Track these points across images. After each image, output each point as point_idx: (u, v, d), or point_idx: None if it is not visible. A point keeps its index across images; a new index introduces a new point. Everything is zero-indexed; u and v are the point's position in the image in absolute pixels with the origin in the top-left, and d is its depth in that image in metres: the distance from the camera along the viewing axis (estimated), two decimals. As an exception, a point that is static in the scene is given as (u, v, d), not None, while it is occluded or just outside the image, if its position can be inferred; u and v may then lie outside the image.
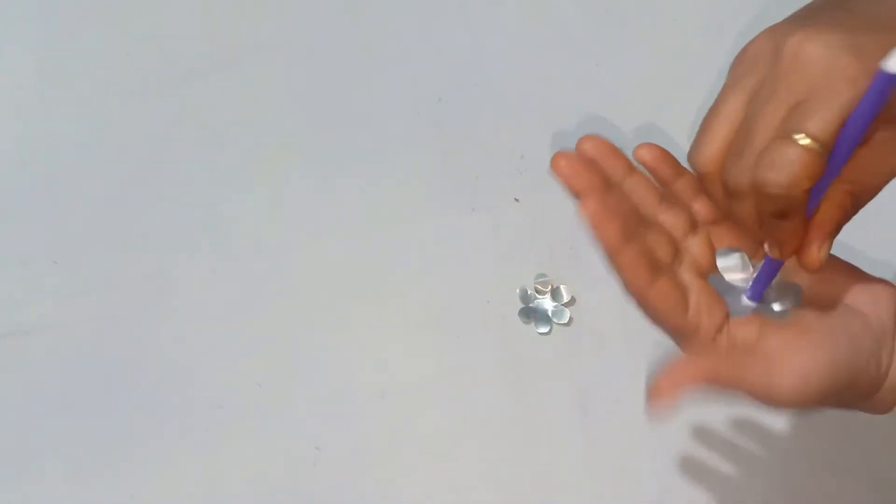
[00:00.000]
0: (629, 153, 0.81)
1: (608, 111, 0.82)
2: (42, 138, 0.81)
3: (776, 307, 0.44)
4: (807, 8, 0.42)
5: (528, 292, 0.73)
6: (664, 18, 0.87)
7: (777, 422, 0.68)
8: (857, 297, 0.43)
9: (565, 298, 0.73)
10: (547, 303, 0.73)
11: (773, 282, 0.43)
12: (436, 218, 0.77)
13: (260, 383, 0.70)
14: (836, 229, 0.39)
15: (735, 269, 0.44)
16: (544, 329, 0.72)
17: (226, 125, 0.82)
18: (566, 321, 0.72)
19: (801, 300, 0.43)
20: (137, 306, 0.73)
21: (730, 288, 0.44)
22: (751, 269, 0.44)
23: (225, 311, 0.73)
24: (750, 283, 0.44)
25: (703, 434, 0.68)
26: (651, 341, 0.72)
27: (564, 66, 0.85)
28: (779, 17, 0.83)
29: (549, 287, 0.73)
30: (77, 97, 0.83)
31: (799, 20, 0.40)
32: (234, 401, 0.70)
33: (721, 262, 0.45)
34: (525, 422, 0.69)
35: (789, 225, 0.39)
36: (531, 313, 0.72)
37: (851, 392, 0.42)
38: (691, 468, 0.67)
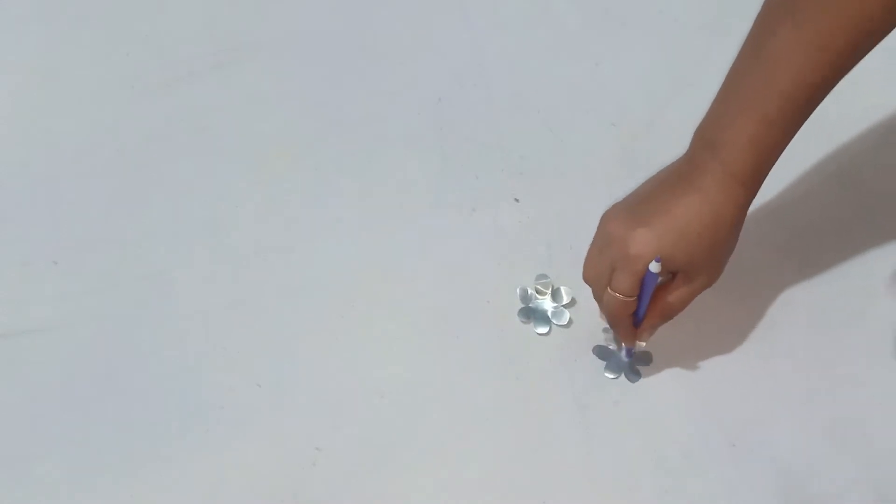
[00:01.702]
0: (626, 150, 0.81)
1: (608, 111, 0.82)
2: (42, 138, 0.81)
3: (636, 367, 0.71)
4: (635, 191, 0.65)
5: (529, 293, 0.73)
6: (664, 18, 0.87)
7: (778, 423, 0.68)
8: None
9: (565, 300, 0.73)
10: (547, 304, 0.73)
11: (634, 352, 0.70)
12: (436, 218, 0.77)
13: (260, 383, 0.70)
14: (653, 329, 0.67)
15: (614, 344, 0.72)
16: (543, 330, 0.72)
17: (226, 125, 0.82)
18: (566, 322, 0.72)
19: (651, 361, 0.71)
20: (137, 306, 0.73)
21: (610, 352, 0.71)
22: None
23: (225, 311, 0.73)
24: (623, 352, 0.71)
25: (703, 434, 0.68)
26: (651, 342, 0.72)
27: (564, 66, 0.85)
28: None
29: (550, 288, 0.73)
30: (77, 97, 0.83)
31: (623, 202, 0.65)
32: (234, 401, 0.70)
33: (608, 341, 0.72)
34: (525, 422, 0.69)
35: (620, 330, 0.67)
36: (531, 314, 0.72)
37: None
38: (691, 468, 0.67)
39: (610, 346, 0.71)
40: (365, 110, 0.82)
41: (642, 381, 0.70)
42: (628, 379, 0.70)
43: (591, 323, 0.72)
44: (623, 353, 0.70)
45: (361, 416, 0.69)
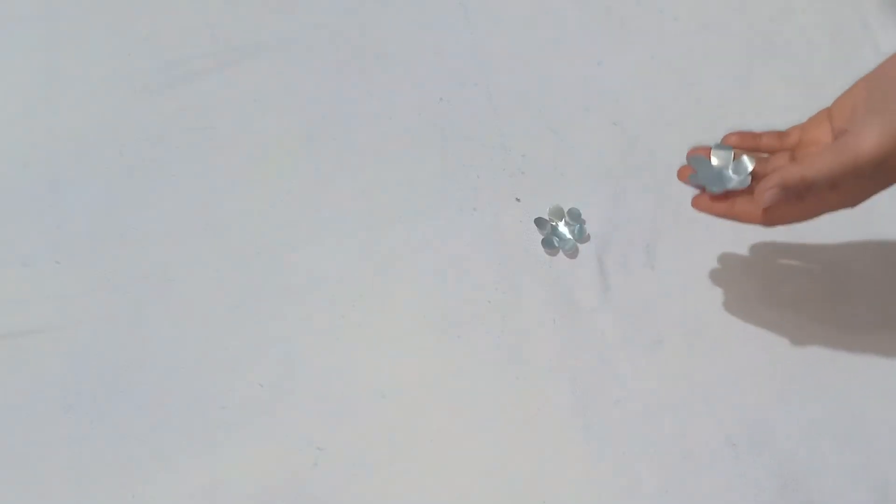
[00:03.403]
0: (627, 149, 0.81)
1: (609, 111, 0.82)
2: (43, 138, 0.81)
3: (738, 177, 0.63)
4: None
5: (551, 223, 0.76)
6: (664, 18, 0.87)
7: (778, 423, 0.68)
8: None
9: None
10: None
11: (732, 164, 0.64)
12: (436, 218, 0.77)
13: (261, 383, 0.70)
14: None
15: (723, 159, 0.64)
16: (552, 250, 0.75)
17: (226, 125, 0.82)
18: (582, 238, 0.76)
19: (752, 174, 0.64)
20: (138, 306, 0.73)
21: (713, 169, 0.64)
22: (731, 162, 0.64)
23: (225, 311, 0.73)
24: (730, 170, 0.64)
25: (703, 434, 0.68)
26: (651, 342, 0.72)
27: (564, 66, 0.85)
28: (775, 16, 0.82)
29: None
30: (77, 97, 0.83)
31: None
32: (235, 401, 0.70)
33: (715, 153, 0.65)
34: (525, 422, 0.69)
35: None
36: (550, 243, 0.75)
37: None
38: (691, 468, 0.67)
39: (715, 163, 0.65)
40: (365, 110, 0.82)
41: (642, 380, 0.70)
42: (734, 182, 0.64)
43: (592, 323, 0.72)
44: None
45: (362, 416, 0.69)
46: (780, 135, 0.64)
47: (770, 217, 0.61)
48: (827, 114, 0.61)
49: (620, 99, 0.83)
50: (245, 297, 0.74)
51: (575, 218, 0.76)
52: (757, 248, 0.74)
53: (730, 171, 0.64)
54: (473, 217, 0.77)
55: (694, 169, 0.64)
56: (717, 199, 0.63)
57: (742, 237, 0.73)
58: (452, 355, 0.71)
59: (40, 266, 0.75)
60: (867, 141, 0.55)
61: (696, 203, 0.64)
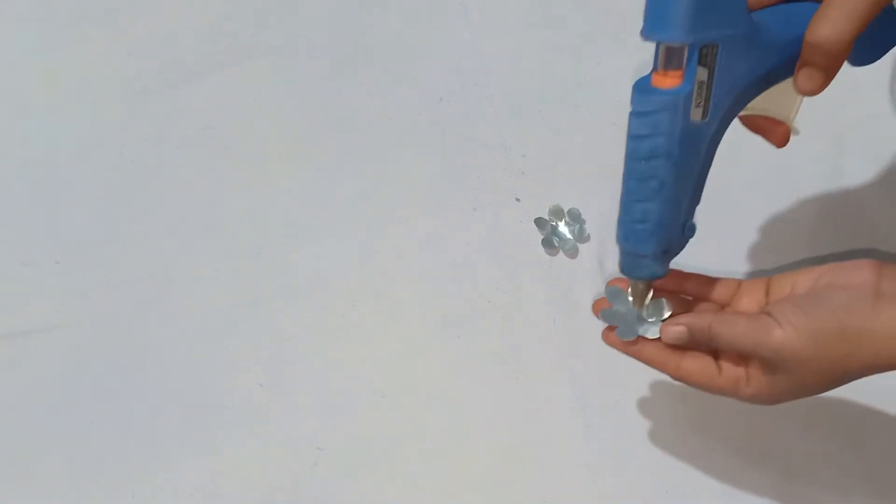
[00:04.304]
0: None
1: (609, 111, 0.82)
2: (42, 138, 0.81)
3: (651, 321, 0.57)
4: None
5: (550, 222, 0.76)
6: (664, 18, 0.87)
7: (780, 422, 0.68)
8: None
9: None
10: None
11: (647, 300, 0.57)
12: (436, 218, 0.77)
13: (261, 383, 0.70)
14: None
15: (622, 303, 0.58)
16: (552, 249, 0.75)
17: (226, 125, 0.82)
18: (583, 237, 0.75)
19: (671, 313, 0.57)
20: (138, 306, 0.73)
21: (628, 305, 0.58)
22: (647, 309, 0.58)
23: (225, 311, 0.73)
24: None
25: (703, 434, 0.68)
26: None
27: (564, 66, 0.85)
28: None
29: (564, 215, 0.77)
30: (77, 97, 0.83)
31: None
32: (234, 401, 0.70)
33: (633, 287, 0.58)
34: (525, 422, 0.69)
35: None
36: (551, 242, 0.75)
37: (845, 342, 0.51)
38: (691, 468, 0.67)
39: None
40: (365, 110, 0.82)
41: (642, 379, 0.70)
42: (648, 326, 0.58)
43: (592, 322, 0.72)
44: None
45: (362, 416, 0.69)
46: (711, 282, 0.59)
47: (678, 374, 0.57)
48: (765, 285, 0.58)
49: (620, 99, 0.83)
50: (245, 297, 0.74)
51: (575, 218, 0.76)
52: (756, 248, 0.74)
53: (644, 312, 0.58)
54: (473, 217, 0.77)
55: (610, 303, 0.58)
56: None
57: (741, 237, 0.73)
58: (452, 355, 0.71)
59: (40, 266, 0.75)
60: (779, 331, 0.52)
61: (604, 337, 0.59)
